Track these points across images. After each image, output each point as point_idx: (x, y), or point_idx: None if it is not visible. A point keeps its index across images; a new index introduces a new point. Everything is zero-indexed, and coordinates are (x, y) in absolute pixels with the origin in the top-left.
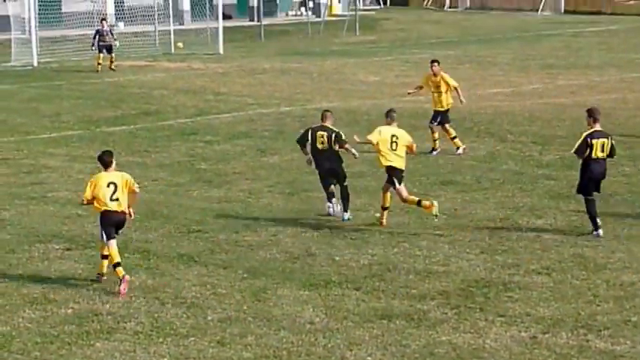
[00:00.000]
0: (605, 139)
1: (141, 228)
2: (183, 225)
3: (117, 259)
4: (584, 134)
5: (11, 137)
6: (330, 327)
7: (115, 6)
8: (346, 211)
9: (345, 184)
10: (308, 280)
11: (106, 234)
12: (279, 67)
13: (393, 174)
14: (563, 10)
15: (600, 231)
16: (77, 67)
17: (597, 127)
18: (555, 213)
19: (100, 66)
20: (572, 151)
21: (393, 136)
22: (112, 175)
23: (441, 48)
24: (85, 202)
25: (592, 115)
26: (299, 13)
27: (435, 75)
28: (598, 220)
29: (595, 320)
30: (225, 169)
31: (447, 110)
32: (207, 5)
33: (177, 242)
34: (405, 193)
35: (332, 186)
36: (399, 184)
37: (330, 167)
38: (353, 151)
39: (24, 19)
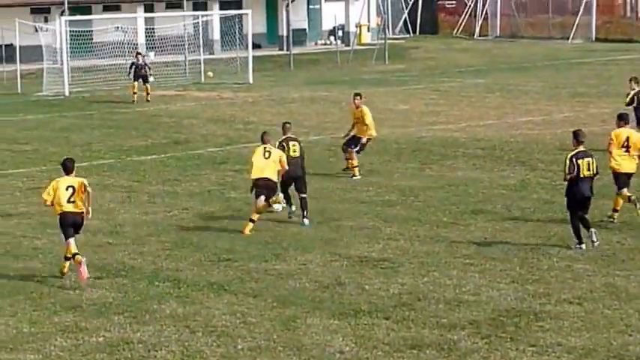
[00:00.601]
0: (590, 159)
1: (171, 256)
2: (214, 253)
3: (74, 251)
4: (569, 155)
5: (43, 166)
6: (360, 356)
7: (146, 36)
8: (306, 218)
9: (305, 192)
10: (337, 309)
11: (64, 234)
12: (309, 96)
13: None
14: (594, 38)
15: (583, 246)
16: (108, 96)
17: (581, 148)
18: (586, 242)
19: (135, 95)
20: (566, 174)
21: (265, 149)
22: (71, 179)
23: (471, 76)
24: (46, 203)
25: (576, 137)
26: (328, 42)
27: (356, 107)
28: (593, 233)
29: (627, 350)
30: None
31: (369, 140)
32: (237, 35)
33: (207, 271)
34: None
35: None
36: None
37: (297, 174)
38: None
39: (55, 49)
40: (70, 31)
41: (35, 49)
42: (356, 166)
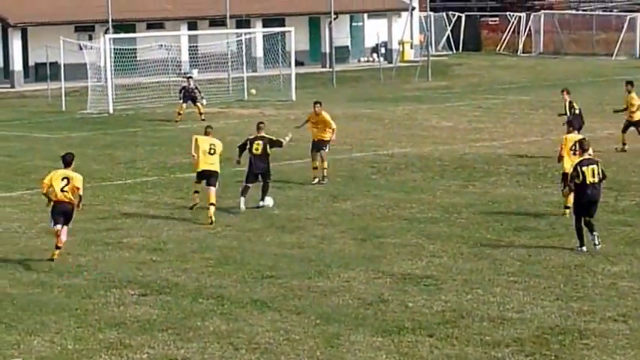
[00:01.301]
0: (595, 166)
1: (215, 273)
2: (257, 270)
3: (59, 244)
4: (575, 163)
5: (87, 184)
6: None
7: (190, 53)
8: (263, 200)
9: (268, 180)
10: (381, 326)
11: (53, 220)
12: (351, 113)
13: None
14: (638, 55)
15: (584, 248)
16: (152, 114)
17: (586, 155)
18: (631, 260)
19: (180, 116)
20: (569, 178)
21: (211, 144)
22: (67, 172)
23: (515, 93)
24: (44, 188)
25: (581, 146)
26: (371, 59)
27: (317, 114)
28: (595, 237)
29: None
30: (298, 214)
31: (328, 141)
32: (280, 52)
33: (250, 288)
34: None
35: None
36: (215, 186)
37: (262, 167)
38: (287, 139)
39: (100, 67)
40: (114, 49)
41: (79, 67)
42: (325, 169)
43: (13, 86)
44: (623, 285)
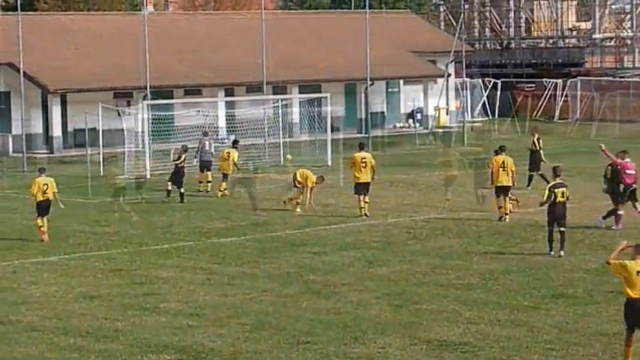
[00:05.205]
0: (564, 188)
1: (250, 339)
2: (293, 336)
3: (40, 224)
4: (549, 186)
5: (125, 248)
6: None
7: (227, 119)
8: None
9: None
10: None
11: (38, 213)
12: (387, 178)
13: None
14: None
15: (553, 252)
16: (188, 179)
17: (558, 180)
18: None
19: (209, 184)
20: (544, 198)
21: None
22: (45, 179)
23: (550, 159)
24: (32, 194)
25: (555, 172)
26: (407, 124)
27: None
28: (562, 252)
29: None
30: (334, 280)
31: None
32: (316, 118)
33: (286, 353)
34: None
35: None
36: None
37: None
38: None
39: (137, 132)
40: (152, 115)
41: (117, 133)
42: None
43: (52, 152)
44: None
